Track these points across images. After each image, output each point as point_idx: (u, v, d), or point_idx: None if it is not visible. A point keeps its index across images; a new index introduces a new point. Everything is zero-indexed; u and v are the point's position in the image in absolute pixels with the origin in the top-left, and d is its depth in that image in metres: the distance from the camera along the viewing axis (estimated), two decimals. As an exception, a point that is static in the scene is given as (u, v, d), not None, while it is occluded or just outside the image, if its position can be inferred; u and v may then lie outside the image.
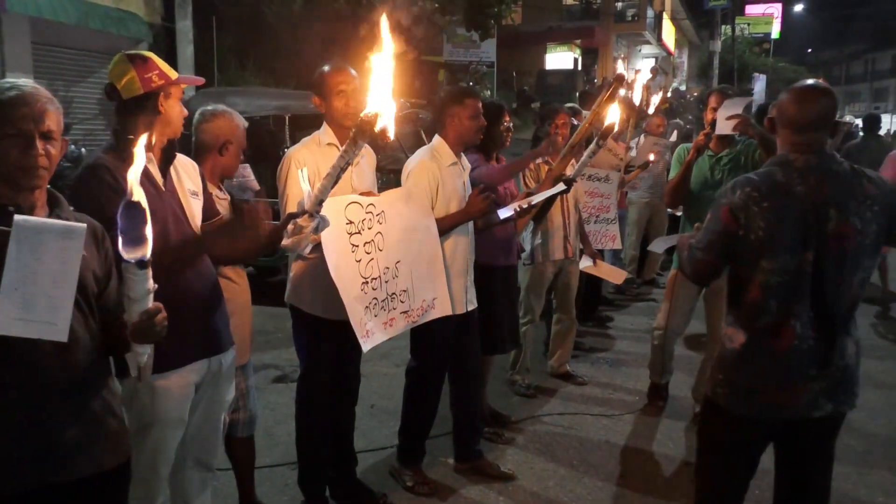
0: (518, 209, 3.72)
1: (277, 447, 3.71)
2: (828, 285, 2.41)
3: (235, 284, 3.03)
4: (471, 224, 3.63)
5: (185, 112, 2.48)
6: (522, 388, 4.99)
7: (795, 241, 2.36)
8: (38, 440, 1.82)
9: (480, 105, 3.63)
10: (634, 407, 4.82)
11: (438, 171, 3.48)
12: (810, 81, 2.58)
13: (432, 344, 3.59)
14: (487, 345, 4.26)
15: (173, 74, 2.40)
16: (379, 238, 3.09)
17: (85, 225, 1.74)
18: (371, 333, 3.02)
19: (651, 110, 6.60)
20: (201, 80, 2.70)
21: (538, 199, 3.89)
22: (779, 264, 2.38)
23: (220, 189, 3.14)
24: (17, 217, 1.68)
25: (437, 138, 3.62)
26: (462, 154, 3.68)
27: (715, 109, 4.35)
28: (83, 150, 7.65)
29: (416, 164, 3.50)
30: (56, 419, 1.85)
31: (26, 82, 1.89)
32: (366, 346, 2.99)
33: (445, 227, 3.45)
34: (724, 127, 4.08)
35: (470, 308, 3.64)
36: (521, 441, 4.29)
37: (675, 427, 4.52)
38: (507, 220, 3.79)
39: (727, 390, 2.51)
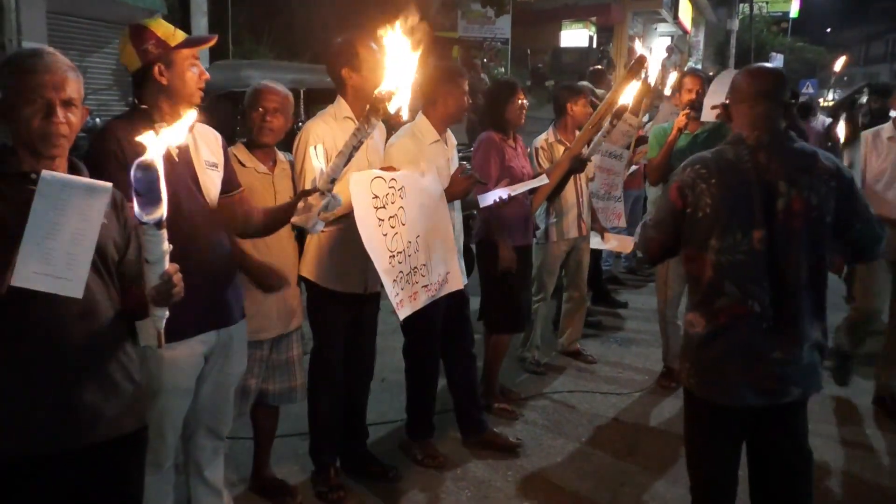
0: (499, 200, 3.73)
1: (289, 417, 3.74)
2: (783, 264, 2.35)
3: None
4: (457, 205, 3.63)
5: (207, 76, 2.41)
6: (532, 365, 5.01)
7: (744, 218, 2.33)
8: (59, 405, 1.86)
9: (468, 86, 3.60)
10: (644, 386, 4.84)
11: (418, 151, 3.44)
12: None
13: (421, 322, 3.59)
14: (504, 324, 4.28)
15: (175, 40, 2.32)
16: (401, 212, 3.10)
17: (110, 184, 1.75)
18: (401, 305, 3.07)
19: (668, 91, 6.53)
20: (212, 39, 2.53)
21: (519, 191, 3.89)
22: (728, 243, 2.34)
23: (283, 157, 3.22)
24: (44, 172, 1.70)
25: (419, 116, 3.58)
26: (448, 131, 3.66)
27: (690, 91, 4.56)
28: (97, 120, 7.65)
29: (393, 145, 3.45)
30: (77, 384, 1.89)
31: (47, 50, 1.90)
32: (401, 314, 3.06)
33: None
34: (709, 114, 4.06)
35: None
36: (529, 417, 4.32)
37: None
38: (486, 208, 3.80)
39: (697, 379, 2.48)
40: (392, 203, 3.05)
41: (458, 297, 3.69)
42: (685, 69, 7.82)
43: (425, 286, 3.25)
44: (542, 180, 4.11)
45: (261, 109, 3.05)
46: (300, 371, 3.29)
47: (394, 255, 3.03)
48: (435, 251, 3.31)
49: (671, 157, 4.42)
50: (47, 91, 1.82)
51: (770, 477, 2.58)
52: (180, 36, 2.35)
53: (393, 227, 3.05)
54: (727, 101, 2.55)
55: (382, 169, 3.13)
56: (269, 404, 3.29)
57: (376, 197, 2.97)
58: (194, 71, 2.38)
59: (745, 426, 2.53)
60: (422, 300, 3.24)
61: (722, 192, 2.35)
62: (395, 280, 3.03)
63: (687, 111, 4.48)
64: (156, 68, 2.32)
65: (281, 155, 3.21)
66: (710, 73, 4.80)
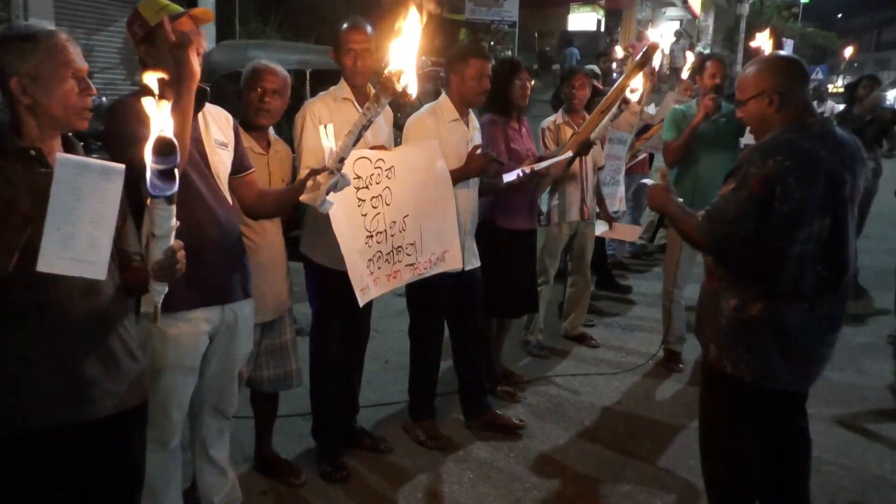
0: (522, 174, 3.71)
1: (292, 398, 3.76)
2: (844, 249, 2.44)
3: (252, 243, 3.00)
4: (473, 184, 3.63)
5: (203, 48, 2.31)
6: (535, 348, 5.02)
7: (820, 208, 2.37)
8: (64, 380, 1.88)
9: (487, 67, 3.54)
10: (646, 370, 4.85)
11: (436, 127, 3.47)
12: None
13: (426, 302, 3.63)
14: (503, 308, 4.28)
15: (156, 19, 2.27)
16: (387, 193, 3.11)
17: (123, 166, 1.75)
18: (368, 288, 3.07)
19: (685, 74, 6.51)
20: (190, 12, 2.34)
21: (542, 165, 3.88)
22: (805, 233, 2.37)
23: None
24: (59, 156, 1.70)
25: (442, 95, 3.62)
26: (470, 112, 3.66)
27: (714, 76, 4.68)
28: (104, 99, 7.65)
29: (412, 120, 3.50)
30: (80, 360, 1.91)
31: (49, 26, 1.89)
32: (362, 299, 3.03)
33: None
34: None
35: (469, 268, 3.65)
36: (532, 401, 4.33)
37: (687, 390, 4.54)
38: (510, 184, 3.78)
39: (752, 363, 2.50)
40: (377, 183, 3.07)
41: (469, 279, 3.69)
42: (694, 53, 7.76)
43: (411, 265, 3.25)
44: (567, 155, 4.12)
45: (259, 90, 3.03)
46: (295, 356, 3.28)
47: (372, 236, 3.05)
48: (429, 231, 3.30)
49: (692, 139, 4.63)
50: (79, 65, 1.84)
51: (784, 463, 2.72)
52: (166, 13, 2.30)
53: (375, 208, 3.06)
54: (778, 90, 2.46)
55: (374, 148, 3.13)
56: (264, 392, 3.29)
57: (358, 177, 2.98)
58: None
59: (777, 411, 2.64)
60: (405, 278, 3.25)
61: (807, 184, 2.35)
62: (370, 260, 3.05)
63: (713, 95, 4.60)
64: (140, 48, 2.33)
65: (274, 137, 3.20)
66: (726, 61, 4.81)
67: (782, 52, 2.66)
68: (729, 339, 2.54)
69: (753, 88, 2.51)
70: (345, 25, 3.16)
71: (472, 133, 3.65)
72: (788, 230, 2.37)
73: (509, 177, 3.76)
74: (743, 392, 2.56)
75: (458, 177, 3.46)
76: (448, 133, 3.50)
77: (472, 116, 3.70)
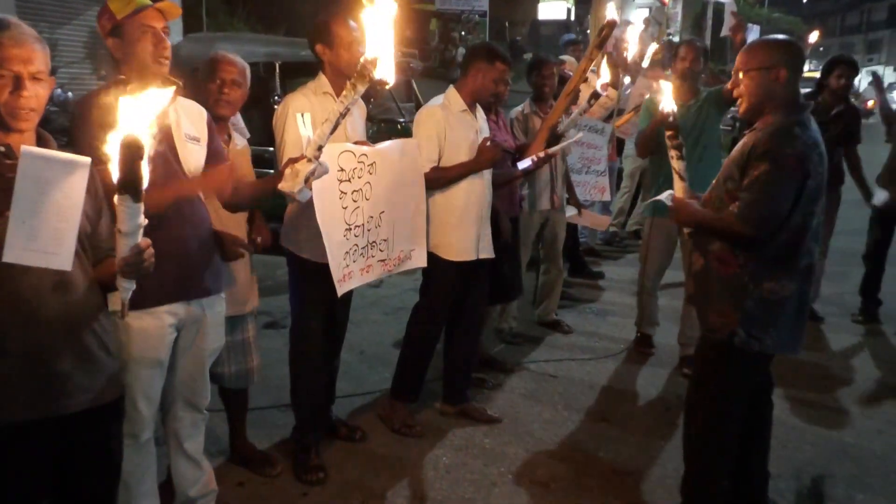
0: (536, 159, 3.83)
1: (269, 390, 3.78)
2: (824, 221, 2.70)
3: None
4: (487, 174, 3.67)
5: (167, 44, 2.34)
6: (509, 335, 5.07)
7: (826, 181, 2.60)
8: (40, 375, 1.89)
9: (507, 73, 3.63)
10: (619, 354, 4.92)
11: (446, 119, 3.51)
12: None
13: (439, 285, 3.67)
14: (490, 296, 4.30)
15: (124, 11, 2.27)
16: (367, 188, 3.13)
17: (89, 159, 1.75)
18: (348, 278, 3.09)
19: (646, 63, 6.55)
20: (156, 4, 2.36)
21: (555, 149, 4.01)
22: (819, 207, 2.58)
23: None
24: (24, 148, 1.70)
25: (450, 87, 3.66)
26: (477, 106, 3.71)
27: (684, 60, 4.52)
28: (70, 94, 7.56)
29: (423, 112, 3.55)
30: (54, 355, 1.91)
31: (12, 21, 1.87)
32: (341, 289, 3.05)
33: (454, 175, 3.52)
34: None
35: (482, 256, 3.69)
36: (506, 387, 4.38)
37: (658, 373, 4.62)
38: (525, 170, 3.89)
39: (777, 337, 2.64)
40: (358, 178, 3.08)
41: (482, 269, 3.75)
42: (661, 41, 7.82)
43: (382, 261, 3.29)
44: (577, 135, 4.24)
45: (218, 81, 3.02)
46: (256, 352, 3.28)
47: (350, 228, 3.07)
48: (401, 228, 3.34)
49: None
50: (15, 65, 1.81)
51: (757, 426, 2.95)
52: (134, 6, 2.30)
53: (356, 202, 3.08)
54: (785, 63, 2.60)
55: (356, 143, 3.15)
56: (224, 386, 3.29)
57: (342, 170, 3.00)
58: (149, 41, 2.31)
59: (761, 371, 2.89)
60: (376, 273, 3.28)
61: (822, 159, 2.55)
62: (347, 252, 3.07)
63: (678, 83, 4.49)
64: (109, 41, 2.33)
65: (235, 133, 3.19)
66: (698, 44, 4.80)
67: (788, 38, 2.76)
68: (760, 319, 2.64)
69: (761, 60, 2.60)
70: (334, 19, 3.12)
71: (481, 123, 3.70)
72: (812, 205, 2.54)
73: (524, 163, 3.86)
74: (752, 362, 2.74)
75: (471, 168, 3.53)
76: (458, 123, 3.55)
77: (478, 107, 3.75)
